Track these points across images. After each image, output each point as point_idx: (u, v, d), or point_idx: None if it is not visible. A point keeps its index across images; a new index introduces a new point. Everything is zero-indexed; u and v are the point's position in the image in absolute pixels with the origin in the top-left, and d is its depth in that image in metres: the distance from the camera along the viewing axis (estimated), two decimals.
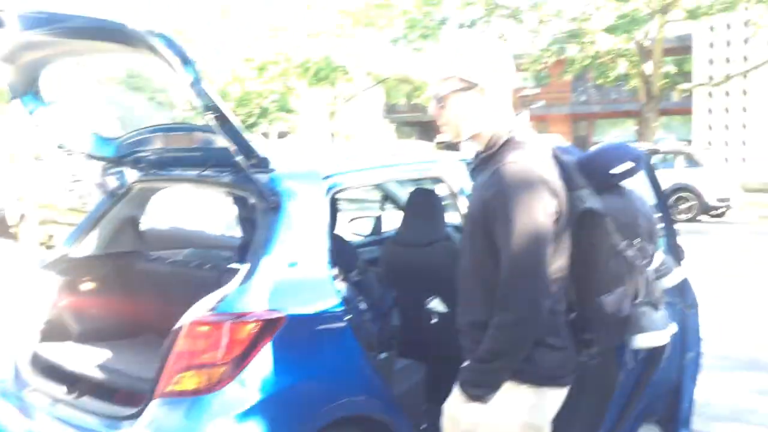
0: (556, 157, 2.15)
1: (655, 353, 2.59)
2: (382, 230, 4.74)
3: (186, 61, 2.26)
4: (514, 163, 1.99)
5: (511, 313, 1.94)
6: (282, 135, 39.44)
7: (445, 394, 2.22)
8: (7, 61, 2.89)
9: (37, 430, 2.66)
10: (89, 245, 3.32)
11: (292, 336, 2.36)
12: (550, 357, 2.06)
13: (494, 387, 2.03)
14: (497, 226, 1.97)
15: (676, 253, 3.19)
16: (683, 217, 15.47)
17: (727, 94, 22.88)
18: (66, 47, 2.78)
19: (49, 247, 11.07)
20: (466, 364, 2.11)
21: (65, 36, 2.51)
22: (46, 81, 3.11)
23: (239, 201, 3.86)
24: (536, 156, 2.04)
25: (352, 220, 4.81)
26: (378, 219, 4.79)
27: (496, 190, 1.98)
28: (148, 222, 3.73)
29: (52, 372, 2.89)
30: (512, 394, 2.04)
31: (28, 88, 3.04)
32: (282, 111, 32.65)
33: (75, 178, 11.61)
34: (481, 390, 2.04)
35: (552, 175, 2.02)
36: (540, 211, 1.94)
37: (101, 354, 2.99)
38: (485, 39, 2.12)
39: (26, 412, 2.77)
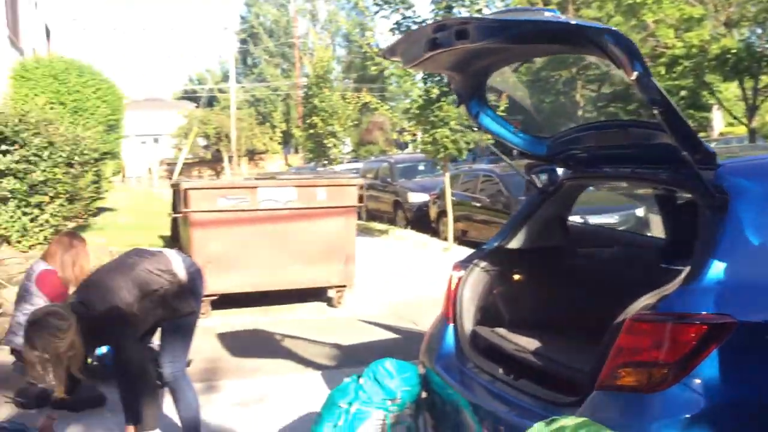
0: None
1: None
2: None
3: (634, 56, 2.25)
4: None
5: None
6: None
7: None
8: (457, 70, 3.22)
9: (478, 403, 2.92)
10: (520, 239, 3.52)
11: (745, 344, 2.19)
12: None
13: None
14: None
15: None
16: None
17: None
18: (511, 53, 2.99)
19: (462, 242, 12.08)
20: None
21: (514, 42, 2.69)
22: (488, 86, 3.40)
23: (668, 199, 3.71)
24: None
25: None
26: None
27: None
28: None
29: (490, 353, 3.14)
30: None
31: (474, 94, 3.34)
32: (691, 109, 30.52)
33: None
34: None
35: None
36: None
37: (532, 341, 3.15)
38: None
39: (467, 385, 3.06)
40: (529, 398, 2.68)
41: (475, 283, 3.39)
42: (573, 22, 2.31)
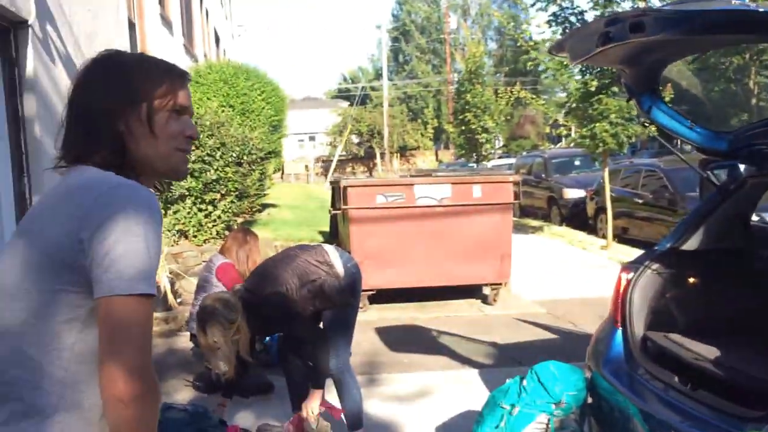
0: None
1: None
2: None
3: None
4: None
5: None
6: None
7: None
8: (628, 63, 3.08)
9: (650, 411, 2.79)
10: (696, 240, 3.32)
11: None
12: None
13: None
14: None
15: None
16: None
17: None
18: (690, 44, 2.83)
19: (621, 240, 11.59)
20: None
21: (696, 33, 2.54)
22: (661, 80, 3.23)
23: None
24: None
25: None
26: None
27: None
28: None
29: (663, 359, 2.99)
30: None
31: (646, 88, 3.19)
32: None
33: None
34: None
35: None
36: None
37: (711, 349, 2.97)
38: None
39: (638, 392, 2.94)
40: (709, 410, 2.52)
41: (645, 285, 3.24)
42: (763, 9, 2.15)
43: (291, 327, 3.73)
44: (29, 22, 4.71)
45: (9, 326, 1.30)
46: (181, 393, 4.84)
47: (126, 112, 1.39)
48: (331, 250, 3.79)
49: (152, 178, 1.48)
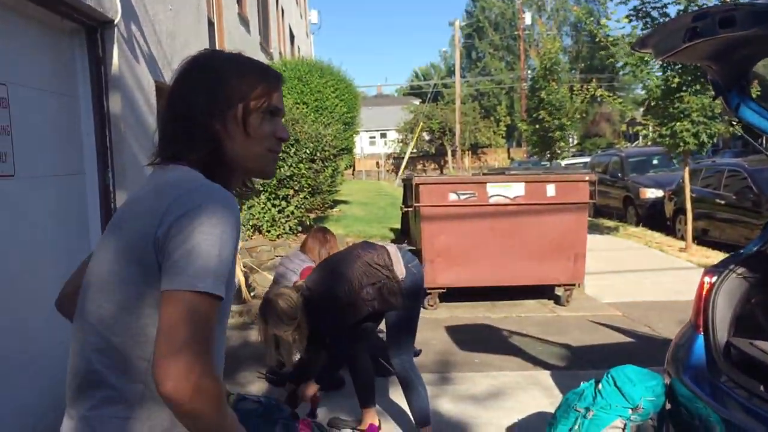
0: None
1: None
2: None
3: None
4: None
5: None
6: None
7: None
8: (716, 59, 2.97)
9: (732, 420, 2.69)
10: None
11: None
12: None
13: None
14: None
15: None
16: None
17: None
18: None
19: (701, 242, 11.19)
20: None
21: None
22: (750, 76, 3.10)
23: None
24: None
25: None
26: None
27: None
28: None
29: (748, 367, 2.88)
30: None
31: (734, 85, 3.07)
32: None
33: None
34: None
35: None
36: None
37: None
38: None
39: (720, 400, 2.84)
40: None
41: (730, 290, 3.12)
42: None
43: (347, 323, 3.77)
44: (115, 22, 4.87)
45: (98, 317, 1.34)
46: (255, 385, 4.94)
47: (223, 112, 1.40)
48: (393, 251, 3.77)
49: (242, 176, 1.50)
